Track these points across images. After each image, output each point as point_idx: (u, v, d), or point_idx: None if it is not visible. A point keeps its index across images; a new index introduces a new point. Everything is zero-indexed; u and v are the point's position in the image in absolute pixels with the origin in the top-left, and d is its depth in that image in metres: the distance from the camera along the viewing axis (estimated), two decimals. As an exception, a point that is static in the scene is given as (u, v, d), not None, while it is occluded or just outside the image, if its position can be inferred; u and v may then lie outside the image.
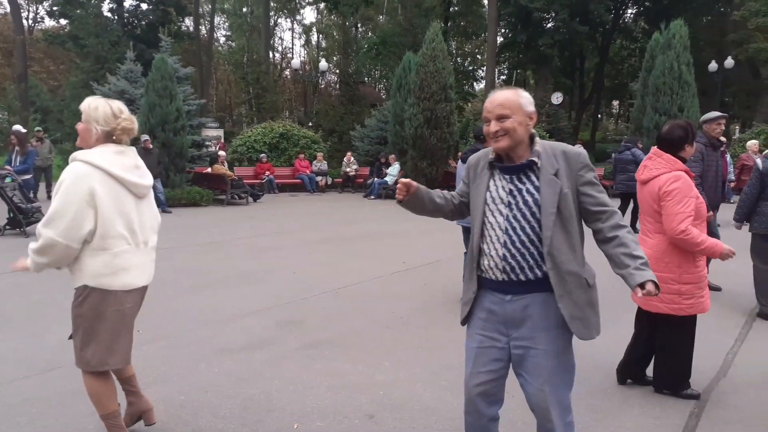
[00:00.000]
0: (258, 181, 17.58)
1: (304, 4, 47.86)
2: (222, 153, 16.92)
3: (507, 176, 2.24)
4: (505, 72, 41.09)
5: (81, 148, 2.65)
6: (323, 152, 20.06)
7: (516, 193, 2.21)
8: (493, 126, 2.19)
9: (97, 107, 2.65)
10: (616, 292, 6.20)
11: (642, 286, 2.08)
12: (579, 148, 2.26)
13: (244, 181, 15.92)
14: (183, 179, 14.91)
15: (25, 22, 38.68)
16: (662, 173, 3.35)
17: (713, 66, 23.40)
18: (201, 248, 8.52)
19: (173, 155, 14.50)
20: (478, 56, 42.26)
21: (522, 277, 2.19)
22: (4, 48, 40.39)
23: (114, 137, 2.66)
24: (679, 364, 3.52)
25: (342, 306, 5.55)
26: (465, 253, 5.12)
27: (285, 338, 4.59)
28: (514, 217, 2.20)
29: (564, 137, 25.14)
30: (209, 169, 15.83)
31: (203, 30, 43.10)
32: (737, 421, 3.23)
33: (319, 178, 18.87)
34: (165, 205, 13.05)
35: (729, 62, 23.19)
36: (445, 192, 2.50)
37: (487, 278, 2.28)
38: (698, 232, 3.25)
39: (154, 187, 14.41)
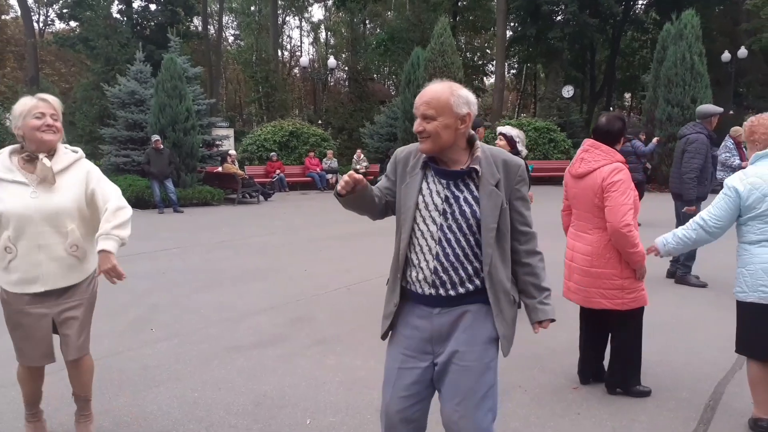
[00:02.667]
0: (268, 179, 17.64)
1: (311, 1, 47.88)
2: (232, 152, 16.98)
3: (444, 181, 2.01)
4: (515, 66, 40.89)
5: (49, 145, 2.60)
6: (333, 150, 20.07)
7: (453, 201, 1.98)
8: (417, 125, 2.00)
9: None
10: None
11: (540, 323, 2.09)
12: (520, 160, 2.06)
13: (255, 179, 15.98)
14: (194, 179, 14.99)
15: (35, 25, 39.02)
16: (603, 165, 3.22)
17: (726, 56, 23.14)
18: (212, 247, 8.56)
19: (184, 155, 14.57)
20: (487, 51, 42.08)
21: (452, 293, 1.99)
22: (16, 51, 40.81)
23: None
24: (629, 362, 3.43)
25: (353, 302, 5.56)
26: None
27: (296, 335, 4.61)
28: (449, 227, 1.97)
29: (575, 130, 24.99)
30: (220, 169, 15.90)
31: (212, 29, 43.28)
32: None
33: (329, 176, 18.89)
34: (177, 204, 13.14)
35: (742, 52, 22.93)
36: (376, 189, 2.18)
37: (413, 291, 2.06)
38: (637, 234, 3.14)
39: (166, 187, 14.46)
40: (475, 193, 1.98)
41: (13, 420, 3.14)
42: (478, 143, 2.05)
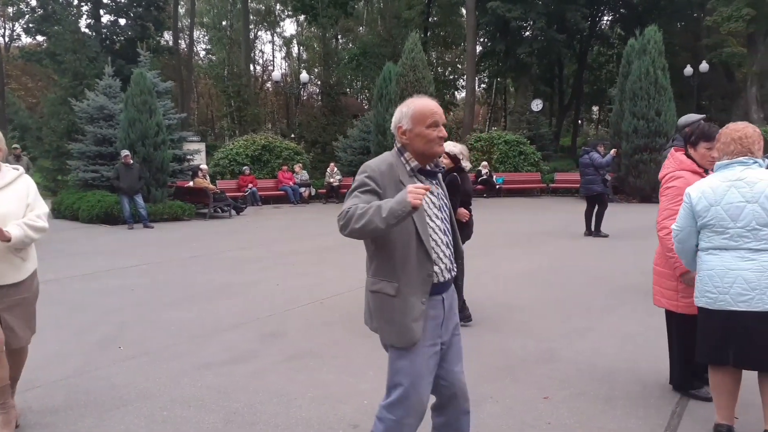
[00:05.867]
0: (241, 193, 17.53)
1: (283, 16, 48.01)
2: (203, 167, 16.84)
3: (434, 181, 2.35)
4: (486, 80, 41.49)
5: None
6: (302, 163, 20.03)
7: (442, 196, 2.37)
8: (443, 131, 2.25)
9: None
10: (597, 301, 6.28)
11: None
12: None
13: (227, 194, 15.85)
14: (164, 194, 14.78)
15: (1, 39, 38.33)
16: (668, 172, 3.51)
17: (689, 70, 23.83)
18: (183, 262, 8.45)
19: (154, 170, 14.38)
20: (458, 65, 42.66)
21: (452, 275, 2.36)
22: (-19, 66, 39.91)
23: None
24: (680, 360, 3.52)
25: (325, 317, 5.53)
26: None
27: (268, 351, 4.57)
28: (444, 219, 2.34)
29: (545, 143, 25.40)
30: (191, 183, 15.74)
31: (183, 44, 42.96)
32: (718, 418, 3.27)
33: (302, 190, 18.82)
34: (147, 220, 12.90)
35: (704, 66, 23.64)
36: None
37: (435, 283, 2.25)
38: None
39: (136, 202, 14.27)
40: (443, 187, 2.41)
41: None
42: None
